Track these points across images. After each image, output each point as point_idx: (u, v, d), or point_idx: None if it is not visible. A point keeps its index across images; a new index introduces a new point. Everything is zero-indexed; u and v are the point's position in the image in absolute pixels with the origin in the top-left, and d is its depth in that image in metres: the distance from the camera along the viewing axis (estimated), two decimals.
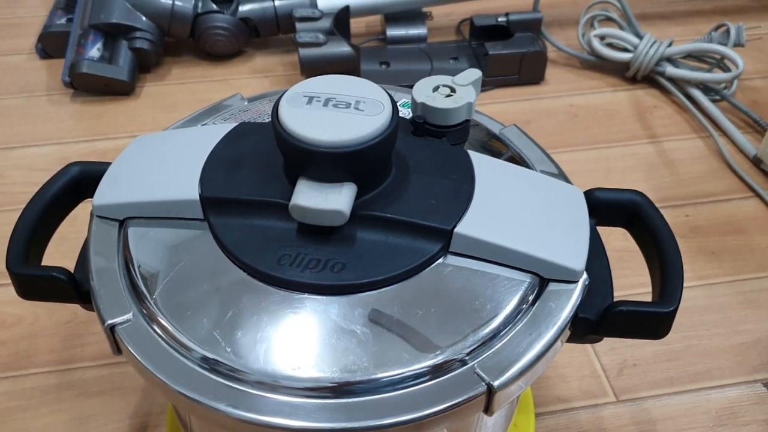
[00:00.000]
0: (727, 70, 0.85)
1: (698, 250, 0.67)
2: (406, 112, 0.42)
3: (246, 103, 0.45)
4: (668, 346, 0.59)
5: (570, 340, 0.36)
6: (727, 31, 0.83)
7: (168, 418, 0.53)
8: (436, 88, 0.39)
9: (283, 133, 0.33)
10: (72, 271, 0.38)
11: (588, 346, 0.59)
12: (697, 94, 0.83)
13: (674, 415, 0.55)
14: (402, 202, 0.35)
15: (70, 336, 0.59)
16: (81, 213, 0.42)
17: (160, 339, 0.33)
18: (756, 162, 0.76)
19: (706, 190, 0.74)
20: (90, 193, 0.39)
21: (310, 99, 0.34)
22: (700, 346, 0.59)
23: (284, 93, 0.34)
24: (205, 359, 0.32)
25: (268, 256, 0.34)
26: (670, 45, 0.84)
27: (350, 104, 0.33)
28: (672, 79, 0.84)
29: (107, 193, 0.38)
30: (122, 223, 0.38)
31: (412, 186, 0.35)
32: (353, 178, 0.33)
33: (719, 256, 0.67)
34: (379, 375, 0.31)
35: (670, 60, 0.85)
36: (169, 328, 0.33)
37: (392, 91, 0.40)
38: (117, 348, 0.34)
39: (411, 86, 0.43)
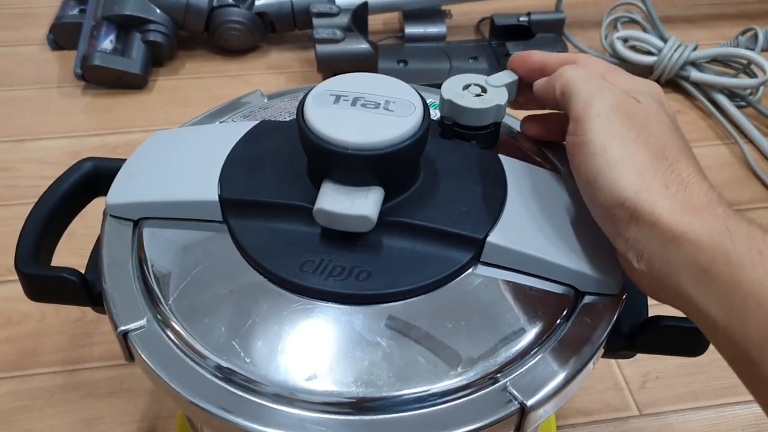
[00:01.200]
0: (753, 75, 0.83)
1: None
2: (433, 113, 0.40)
3: (266, 101, 0.43)
4: (692, 359, 0.57)
5: (603, 356, 0.34)
6: (755, 36, 0.81)
7: (178, 423, 0.51)
8: (466, 87, 0.37)
9: (309, 133, 0.31)
10: (82, 272, 0.36)
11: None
12: (722, 99, 0.81)
13: (697, 431, 0.53)
14: (431, 208, 0.33)
15: (78, 335, 0.58)
16: (91, 209, 0.41)
17: (174, 346, 0.32)
18: None
19: (731, 198, 0.71)
20: (103, 190, 0.38)
21: (338, 98, 0.32)
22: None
23: (310, 91, 0.33)
24: (220, 368, 0.30)
25: (290, 262, 0.32)
26: (695, 49, 0.82)
27: (379, 104, 0.32)
28: (696, 84, 0.82)
29: (122, 191, 0.36)
30: (137, 224, 0.36)
31: (441, 191, 0.34)
32: (381, 182, 0.32)
33: None
34: (405, 391, 0.29)
35: (694, 64, 0.83)
36: (184, 334, 0.31)
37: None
38: (130, 355, 0.33)
39: (434, 86, 0.42)
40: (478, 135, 0.37)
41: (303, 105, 0.32)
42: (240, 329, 0.31)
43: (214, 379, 0.30)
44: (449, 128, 0.37)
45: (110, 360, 0.56)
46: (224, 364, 0.30)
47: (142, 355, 0.31)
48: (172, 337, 0.32)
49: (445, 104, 0.37)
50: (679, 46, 0.82)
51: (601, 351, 0.33)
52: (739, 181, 0.74)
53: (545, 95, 0.35)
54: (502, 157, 0.36)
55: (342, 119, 0.31)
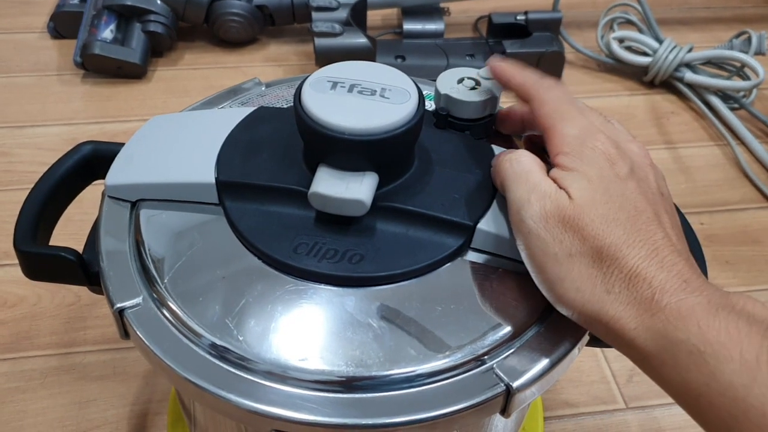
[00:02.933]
0: (746, 78, 0.84)
1: (713, 258, 0.66)
2: (428, 104, 0.41)
3: (264, 88, 0.44)
4: None
5: (589, 344, 0.35)
6: (749, 39, 0.82)
7: (170, 406, 0.52)
8: (460, 80, 0.38)
9: (306, 118, 0.32)
10: (80, 252, 0.37)
11: (598, 351, 0.58)
12: (715, 101, 0.82)
13: (683, 426, 0.54)
14: (424, 194, 0.34)
15: (72, 318, 0.58)
16: (88, 195, 0.41)
17: (169, 324, 0.32)
18: None
19: (722, 198, 0.73)
20: (102, 173, 0.38)
21: (335, 84, 0.33)
22: None
23: (307, 77, 0.33)
24: (214, 346, 0.31)
25: (284, 244, 0.33)
26: (690, 51, 0.82)
27: (375, 91, 0.32)
28: (690, 86, 0.83)
29: (120, 172, 0.37)
30: (134, 205, 0.37)
31: (434, 179, 0.34)
32: (375, 167, 0.32)
33: (734, 265, 0.66)
34: (395, 371, 0.30)
35: (689, 66, 0.84)
36: (180, 313, 0.32)
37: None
38: (125, 332, 0.34)
39: (431, 80, 0.43)
40: (471, 126, 0.38)
41: (300, 90, 0.33)
42: (234, 309, 0.32)
43: (208, 357, 0.31)
44: (444, 118, 0.38)
45: (104, 344, 0.56)
46: (218, 342, 0.31)
47: (138, 332, 0.32)
48: (167, 315, 0.32)
49: (442, 98, 0.37)
50: (674, 47, 0.82)
51: (587, 338, 0.34)
52: (731, 182, 0.75)
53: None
54: (495, 147, 0.37)
55: (338, 105, 0.32)
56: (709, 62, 0.85)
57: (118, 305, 0.33)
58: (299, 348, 0.31)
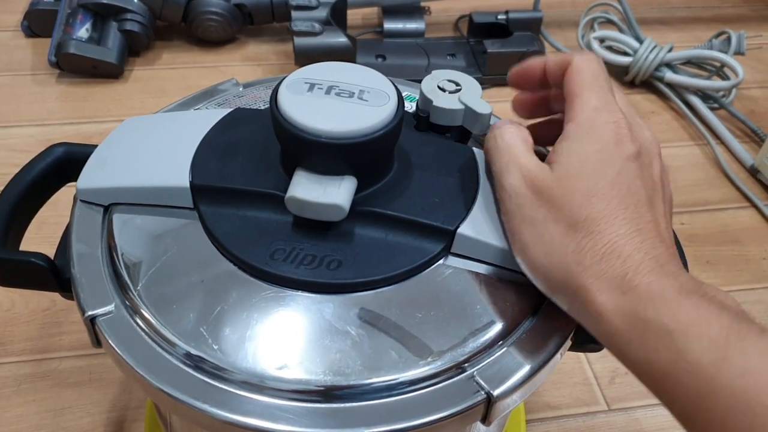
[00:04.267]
0: (725, 78, 0.84)
1: (694, 258, 0.66)
2: (409, 106, 0.40)
3: (241, 89, 0.43)
4: None
5: (571, 348, 0.35)
6: (728, 39, 0.82)
7: (147, 413, 0.51)
8: (442, 86, 0.37)
9: (282, 120, 0.31)
10: (52, 258, 0.36)
11: (580, 353, 0.58)
12: (695, 101, 0.82)
13: (665, 427, 0.54)
14: (403, 198, 0.33)
15: (47, 324, 0.57)
16: (63, 197, 0.40)
17: (142, 333, 0.31)
18: (753, 172, 0.75)
19: (703, 198, 0.73)
20: (74, 176, 0.37)
21: (312, 86, 0.32)
22: None
23: (284, 79, 0.33)
24: (189, 356, 0.30)
25: (260, 250, 0.32)
26: (670, 50, 0.83)
27: (354, 93, 0.32)
28: (671, 85, 0.83)
29: (93, 176, 0.36)
30: (107, 209, 0.36)
31: (414, 183, 0.34)
32: (354, 171, 0.32)
33: (714, 265, 0.66)
34: (374, 380, 0.30)
35: (669, 65, 0.84)
36: (153, 321, 0.31)
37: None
38: (97, 340, 0.33)
39: (411, 80, 0.42)
40: (452, 128, 0.37)
41: (276, 92, 0.32)
42: (209, 317, 0.31)
43: (183, 366, 0.30)
44: (424, 121, 0.37)
45: (80, 350, 0.55)
46: (193, 351, 0.30)
47: (110, 341, 0.31)
48: (141, 323, 0.32)
49: (425, 103, 0.37)
50: (655, 47, 0.82)
51: (569, 343, 0.33)
52: (711, 181, 0.75)
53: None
54: (476, 150, 0.36)
55: (316, 107, 0.31)
56: (689, 62, 0.85)
57: (90, 313, 0.32)
58: (276, 357, 0.30)
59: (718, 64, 0.83)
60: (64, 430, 0.51)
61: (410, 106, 0.39)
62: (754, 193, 0.73)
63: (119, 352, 0.31)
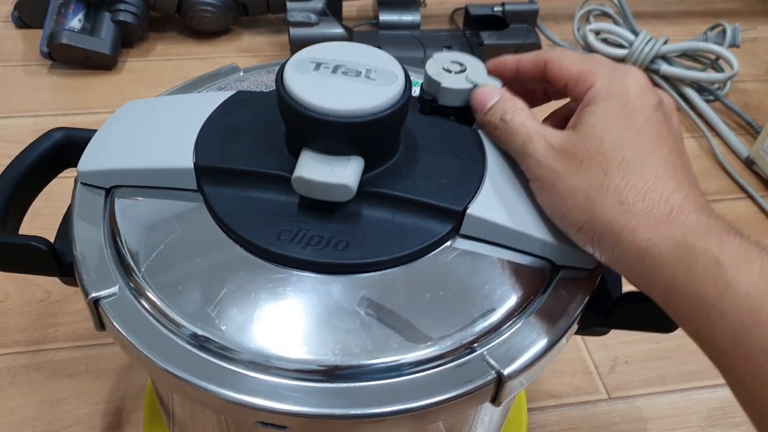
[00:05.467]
0: (720, 70, 0.84)
1: None
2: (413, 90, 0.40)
3: (242, 74, 0.43)
4: (660, 344, 0.58)
5: (577, 332, 0.34)
6: (723, 32, 0.83)
7: (146, 402, 0.50)
8: (447, 68, 0.37)
9: (289, 99, 0.31)
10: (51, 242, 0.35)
11: (580, 341, 0.58)
12: (691, 93, 0.82)
13: (666, 415, 0.54)
14: (411, 180, 0.33)
15: (42, 315, 0.56)
16: (58, 188, 0.40)
17: (147, 314, 0.31)
18: (748, 163, 0.75)
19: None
20: (74, 161, 0.37)
21: (318, 65, 0.32)
22: (693, 345, 0.58)
23: (289, 59, 0.32)
24: (195, 336, 0.30)
25: (266, 231, 0.31)
26: (665, 43, 0.83)
27: (361, 72, 0.31)
28: (666, 78, 0.84)
29: (94, 158, 0.35)
30: (109, 192, 0.35)
31: (421, 164, 0.34)
32: (361, 151, 0.31)
33: None
34: (382, 359, 0.29)
35: (664, 58, 0.84)
36: (158, 302, 0.31)
37: None
38: (101, 323, 0.32)
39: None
40: (457, 111, 0.37)
41: (282, 71, 0.31)
42: (215, 297, 0.31)
43: (188, 347, 0.30)
44: (429, 104, 0.37)
45: (75, 340, 0.55)
46: (199, 331, 0.30)
47: (114, 323, 0.31)
48: (145, 305, 0.31)
49: (431, 85, 0.36)
50: (650, 39, 0.82)
51: (576, 326, 0.33)
52: (707, 173, 0.75)
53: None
54: (481, 132, 0.36)
55: (322, 86, 0.31)
56: (684, 54, 0.85)
57: (93, 295, 0.31)
58: (283, 337, 0.30)
59: (713, 57, 0.83)
60: (61, 421, 0.50)
61: (414, 91, 0.39)
62: (750, 184, 0.73)
63: (124, 333, 0.30)
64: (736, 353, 0.26)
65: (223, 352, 0.29)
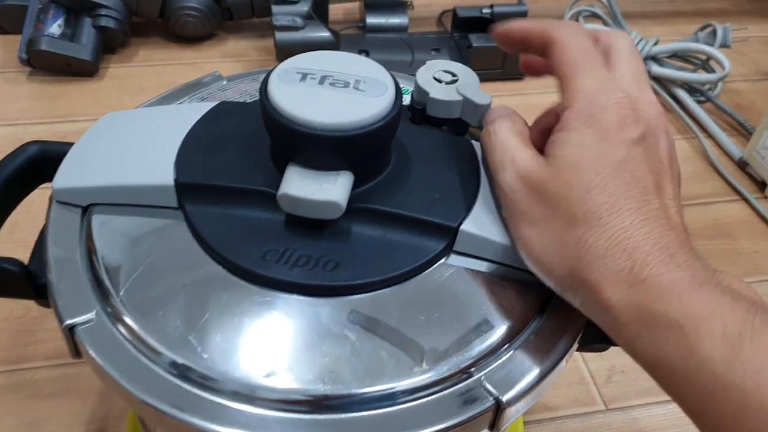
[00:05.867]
0: (711, 71, 0.83)
1: None
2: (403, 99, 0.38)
3: (225, 82, 0.41)
4: None
5: (577, 349, 0.33)
6: (714, 32, 0.82)
7: (128, 423, 0.48)
8: (438, 77, 0.35)
9: (273, 112, 0.29)
10: (26, 263, 0.33)
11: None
12: (682, 94, 0.81)
13: (663, 426, 0.52)
14: (402, 194, 0.31)
15: (21, 332, 0.54)
16: (37, 198, 0.38)
17: (125, 341, 0.29)
18: (741, 165, 0.74)
19: (693, 192, 0.72)
20: (49, 176, 0.35)
21: (304, 75, 0.30)
22: None
23: (274, 68, 0.31)
24: (175, 365, 0.28)
25: (251, 251, 0.30)
26: (656, 44, 0.82)
27: (349, 83, 0.30)
28: (657, 79, 0.82)
29: (70, 175, 0.34)
30: (86, 210, 0.34)
31: (413, 178, 0.32)
32: (350, 166, 0.30)
33: (706, 260, 0.65)
34: (374, 388, 0.28)
35: (655, 59, 0.83)
36: (137, 329, 0.29)
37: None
38: (76, 351, 0.30)
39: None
40: (448, 121, 0.35)
41: (267, 82, 0.30)
42: (197, 323, 0.29)
43: (169, 377, 0.28)
44: (420, 113, 0.35)
45: (56, 359, 0.53)
46: (179, 360, 0.28)
47: (90, 351, 0.29)
48: (123, 331, 0.29)
49: (421, 95, 0.35)
50: (641, 40, 0.81)
51: (576, 344, 0.32)
52: (700, 175, 0.74)
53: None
54: (475, 143, 0.35)
55: (309, 98, 0.29)
56: (675, 55, 0.84)
57: (68, 321, 0.30)
58: (269, 365, 0.28)
59: (704, 57, 0.82)
60: None
61: (404, 99, 0.38)
62: (743, 186, 0.72)
63: (101, 362, 0.29)
64: (705, 417, 0.25)
65: (205, 381, 0.28)
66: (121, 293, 0.30)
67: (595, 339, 0.33)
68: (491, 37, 0.81)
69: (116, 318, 0.30)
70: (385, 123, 0.29)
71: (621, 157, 0.28)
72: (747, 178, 0.74)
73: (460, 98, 0.34)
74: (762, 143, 0.71)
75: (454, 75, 0.35)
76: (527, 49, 0.33)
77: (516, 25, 0.33)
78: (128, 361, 0.29)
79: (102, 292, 0.31)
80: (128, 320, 0.29)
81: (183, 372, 0.28)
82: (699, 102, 0.81)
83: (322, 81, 0.30)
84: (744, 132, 0.79)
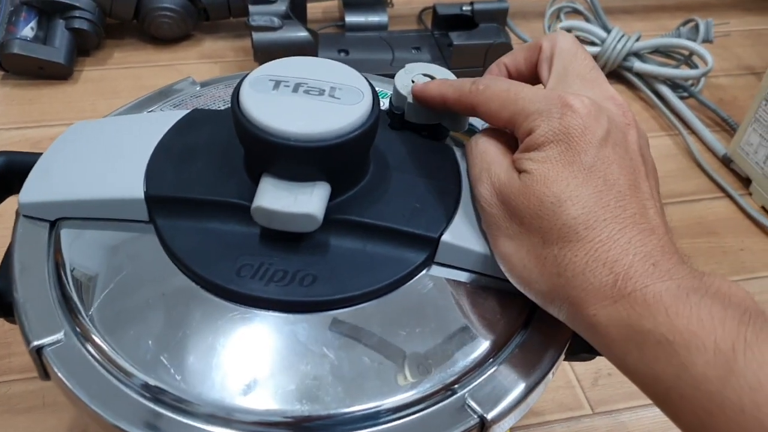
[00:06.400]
0: (694, 66, 0.83)
1: None
2: (381, 103, 0.37)
3: (198, 88, 0.40)
4: None
5: (564, 359, 0.32)
6: (696, 27, 0.81)
7: None
8: (416, 81, 0.34)
9: (246, 122, 0.28)
10: None
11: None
12: (665, 90, 0.81)
13: (650, 430, 0.52)
14: (382, 205, 0.30)
15: None
16: (6, 209, 0.37)
17: (95, 362, 0.28)
18: (726, 161, 0.74)
19: (677, 189, 0.72)
20: (17, 187, 0.34)
21: (277, 83, 0.29)
22: None
23: (246, 76, 0.30)
24: (148, 387, 0.27)
25: (225, 267, 0.29)
26: (638, 39, 0.81)
27: (324, 91, 0.29)
28: (639, 75, 0.82)
29: (36, 189, 0.33)
30: (54, 225, 0.32)
31: (392, 187, 0.31)
32: (327, 176, 0.29)
33: (692, 259, 0.63)
34: (355, 407, 0.27)
35: (637, 55, 0.82)
36: (107, 349, 0.28)
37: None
38: (45, 373, 0.29)
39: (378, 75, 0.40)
40: (428, 126, 0.34)
41: (239, 91, 0.29)
42: (169, 343, 0.28)
43: (141, 399, 0.27)
44: (399, 118, 0.34)
45: (31, 372, 0.51)
46: (152, 381, 0.27)
47: (59, 374, 0.28)
48: (93, 352, 0.28)
49: (399, 99, 0.34)
50: (623, 36, 0.81)
51: (563, 356, 0.31)
52: (684, 172, 0.74)
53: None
54: (456, 149, 0.34)
55: (282, 107, 0.28)
56: (657, 51, 0.83)
57: (36, 343, 0.28)
58: (246, 386, 0.27)
59: (686, 53, 0.82)
60: None
61: (383, 103, 0.37)
62: (727, 182, 0.72)
63: (70, 385, 0.28)
64: None
65: (179, 404, 0.27)
66: (90, 312, 0.29)
67: (583, 349, 0.33)
68: (472, 35, 0.81)
69: (86, 338, 0.29)
70: (361, 132, 0.28)
71: (590, 163, 0.27)
72: (731, 175, 0.74)
73: None
74: (746, 139, 0.71)
75: (433, 78, 0.34)
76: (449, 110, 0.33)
77: (431, 90, 0.33)
78: (99, 382, 0.28)
79: (71, 311, 0.30)
80: (98, 340, 0.28)
81: (155, 394, 0.27)
82: (682, 98, 0.81)
83: (296, 89, 0.29)
84: (727, 128, 0.79)
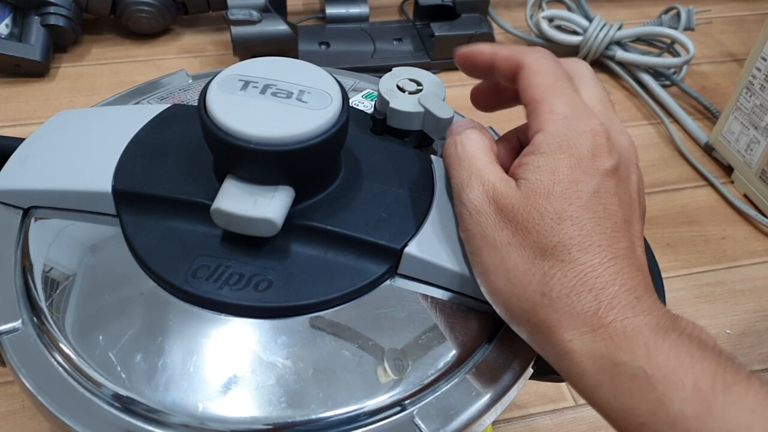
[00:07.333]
0: (676, 54, 0.82)
1: (653, 242, 0.64)
2: (369, 105, 0.37)
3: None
4: None
5: (531, 378, 0.32)
6: (678, 15, 0.81)
7: None
8: (401, 86, 0.34)
9: (209, 123, 0.27)
10: None
11: None
12: (647, 79, 0.80)
13: None
14: (348, 212, 0.30)
15: None
16: None
17: (49, 354, 0.28)
18: (708, 149, 0.74)
19: (660, 178, 0.71)
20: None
21: (246, 84, 0.28)
22: None
23: (215, 75, 0.29)
24: (94, 382, 0.27)
25: (182, 266, 0.29)
26: (620, 28, 0.81)
27: (292, 94, 0.28)
28: (622, 64, 0.82)
29: (12, 175, 0.32)
30: (27, 212, 0.32)
31: (362, 194, 0.31)
32: (290, 181, 0.28)
33: (674, 248, 0.65)
34: (297, 419, 0.26)
35: (619, 44, 0.82)
36: (63, 344, 0.28)
37: (355, 80, 0.34)
38: (1, 360, 0.29)
39: (356, 69, 0.39)
40: (411, 132, 0.34)
41: (206, 91, 0.28)
42: (121, 339, 0.28)
43: (87, 394, 0.27)
44: (381, 124, 0.34)
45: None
46: (100, 378, 0.27)
47: (11, 362, 0.28)
48: (49, 343, 0.28)
49: (380, 99, 0.34)
50: (605, 25, 0.80)
51: (529, 372, 0.30)
52: (667, 161, 0.74)
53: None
54: (434, 158, 0.33)
55: (248, 109, 0.28)
56: (639, 39, 0.83)
57: None
58: (180, 392, 0.27)
59: (668, 41, 0.82)
60: None
61: (370, 106, 0.36)
62: (709, 171, 0.71)
63: (21, 376, 0.27)
64: None
65: (129, 405, 0.27)
66: (48, 302, 0.29)
67: (552, 370, 0.32)
68: (454, 25, 0.80)
69: (41, 330, 0.28)
70: (325, 139, 0.27)
71: (594, 188, 0.27)
72: (713, 163, 0.73)
73: (421, 110, 0.33)
74: (728, 127, 0.71)
75: (419, 84, 0.34)
76: (490, 73, 0.32)
77: (482, 48, 0.32)
78: (50, 374, 0.28)
79: (30, 300, 0.29)
80: (53, 332, 0.28)
81: (100, 388, 0.27)
82: (664, 86, 0.81)
83: (264, 90, 0.28)
84: (710, 115, 0.79)
